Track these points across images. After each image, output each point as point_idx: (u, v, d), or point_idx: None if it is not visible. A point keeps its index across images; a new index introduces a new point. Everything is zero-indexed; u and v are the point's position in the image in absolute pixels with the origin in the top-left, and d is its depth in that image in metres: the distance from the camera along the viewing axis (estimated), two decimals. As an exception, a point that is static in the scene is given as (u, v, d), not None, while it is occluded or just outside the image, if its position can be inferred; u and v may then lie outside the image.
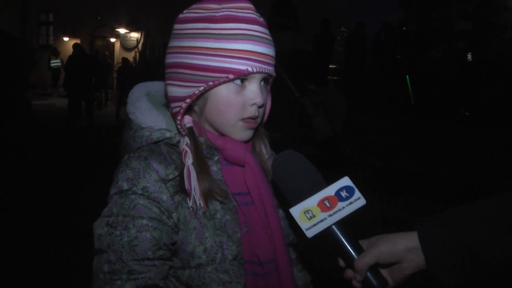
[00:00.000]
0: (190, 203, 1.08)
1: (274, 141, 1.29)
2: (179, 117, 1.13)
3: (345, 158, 6.10)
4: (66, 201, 4.97)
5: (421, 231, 0.99)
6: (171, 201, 1.10)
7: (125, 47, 21.24)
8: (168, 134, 1.15)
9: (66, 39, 21.20)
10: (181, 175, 1.10)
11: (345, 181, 1.01)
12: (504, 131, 7.14)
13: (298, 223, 0.97)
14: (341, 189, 1.00)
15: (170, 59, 1.15)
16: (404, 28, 9.10)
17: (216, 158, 1.18)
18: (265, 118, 1.26)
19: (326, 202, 0.99)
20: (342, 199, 0.99)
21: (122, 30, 20.88)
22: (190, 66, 1.10)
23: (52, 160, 7.06)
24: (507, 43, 8.60)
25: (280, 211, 1.23)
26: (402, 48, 9.01)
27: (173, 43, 1.15)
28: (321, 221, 0.97)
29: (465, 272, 0.95)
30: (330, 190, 1.00)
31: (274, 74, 1.15)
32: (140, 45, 18.43)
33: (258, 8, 1.14)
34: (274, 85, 1.22)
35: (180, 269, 1.12)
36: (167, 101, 1.18)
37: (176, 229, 1.10)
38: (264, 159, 1.24)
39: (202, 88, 1.09)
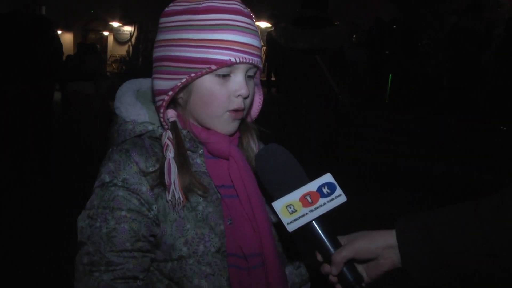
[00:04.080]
0: (169, 197, 1.09)
1: (264, 137, 1.29)
2: (161, 110, 1.13)
3: (339, 154, 6.13)
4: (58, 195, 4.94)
5: (400, 229, 1.01)
6: (151, 193, 1.10)
7: (119, 40, 21.15)
8: (150, 127, 1.15)
9: (59, 32, 21.07)
10: (161, 168, 1.11)
11: (327, 177, 1.03)
12: (495, 126, 7.19)
13: (280, 216, 0.99)
14: (323, 185, 1.02)
15: (156, 53, 1.15)
16: (394, 26, 9.08)
17: (200, 151, 1.17)
18: (256, 112, 1.26)
19: (308, 198, 1.00)
20: (323, 195, 1.01)
21: (115, 24, 20.78)
22: (173, 58, 1.10)
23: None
24: (499, 38, 8.64)
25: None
26: (392, 45, 9.01)
27: (159, 36, 1.15)
28: (302, 216, 0.99)
29: (438, 273, 0.98)
30: (312, 186, 1.02)
31: (259, 65, 1.14)
32: (133, 39, 18.35)
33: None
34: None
35: (163, 262, 1.12)
36: (152, 95, 1.18)
37: (157, 221, 1.11)
38: (252, 154, 1.22)
39: (184, 80, 1.09)
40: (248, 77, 1.14)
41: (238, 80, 1.11)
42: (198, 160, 1.17)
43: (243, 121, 1.20)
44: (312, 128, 4.38)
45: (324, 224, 1.01)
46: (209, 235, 1.11)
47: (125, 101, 1.19)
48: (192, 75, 1.08)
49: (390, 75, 8.84)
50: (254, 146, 1.24)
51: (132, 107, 1.18)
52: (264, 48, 15.27)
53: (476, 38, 8.08)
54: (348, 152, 7.12)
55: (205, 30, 1.07)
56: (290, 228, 0.98)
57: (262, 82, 1.26)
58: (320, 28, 4.35)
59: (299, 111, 4.42)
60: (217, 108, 1.12)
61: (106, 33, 21.33)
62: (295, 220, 0.99)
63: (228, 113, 1.12)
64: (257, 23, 19.33)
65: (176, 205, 1.09)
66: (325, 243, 1.01)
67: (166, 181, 1.09)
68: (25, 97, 5.11)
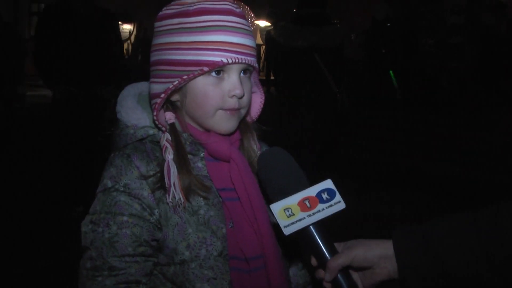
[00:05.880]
0: (169, 198, 1.09)
1: (264, 135, 1.29)
2: (154, 113, 1.13)
3: (338, 154, 6.11)
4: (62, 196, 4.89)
5: (397, 240, 1.01)
6: (152, 197, 1.11)
7: (118, 38, 21.10)
8: (151, 132, 1.16)
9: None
10: (162, 171, 1.11)
11: (328, 183, 1.02)
12: (496, 126, 7.19)
13: (277, 219, 0.99)
14: (322, 191, 1.01)
15: (152, 57, 1.17)
16: (388, 24, 9.05)
17: (201, 155, 1.18)
18: (256, 112, 1.26)
19: (307, 202, 1.00)
20: (322, 201, 1.00)
21: (114, 22, 20.75)
22: (166, 62, 1.11)
23: (47, 154, 6.97)
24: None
25: None
26: (388, 43, 8.98)
27: (154, 41, 1.16)
28: (300, 220, 0.99)
29: (437, 284, 0.97)
30: (312, 191, 1.01)
31: (254, 64, 1.14)
32: (132, 37, 18.32)
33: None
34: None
35: (166, 265, 1.13)
36: (149, 99, 1.19)
37: (159, 226, 1.11)
38: (253, 155, 1.23)
39: (176, 82, 1.09)
40: (244, 77, 1.14)
41: (232, 81, 1.11)
42: (200, 164, 1.17)
43: (242, 121, 1.20)
44: (311, 127, 4.38)
45: (321, 230, 1.01)
46: (211, 239, 1.12)
47: (125, 105, 1.20)
48: (185, 77, 1.09)
49: (391, 72, 8.79)
50: (255, 146, 1.24)
51: (133, 112, 1.19)
52: (263, 47, 15.25)
53: (502, 38, 8.05)
54: (347, 152, 7.12)
55: (196, 32, 1.08)
56: (287, 231, 0.98)
57: (261, 81, 1.26)
58: (319, 27, 4.33)
59: (297, 110, 4.41)
60: (210, 108, 1.12)
61: (105, 31, 21.28)
62: (292, 223, 0.99)
63: (221, 110, 1.13)
64: (256, 22, 19.33)
65: (177, 206, 1.10)
66: (321, 249, 1.00)
67: (166, 182, 1.10)
68: (80, 104, 4.24)
